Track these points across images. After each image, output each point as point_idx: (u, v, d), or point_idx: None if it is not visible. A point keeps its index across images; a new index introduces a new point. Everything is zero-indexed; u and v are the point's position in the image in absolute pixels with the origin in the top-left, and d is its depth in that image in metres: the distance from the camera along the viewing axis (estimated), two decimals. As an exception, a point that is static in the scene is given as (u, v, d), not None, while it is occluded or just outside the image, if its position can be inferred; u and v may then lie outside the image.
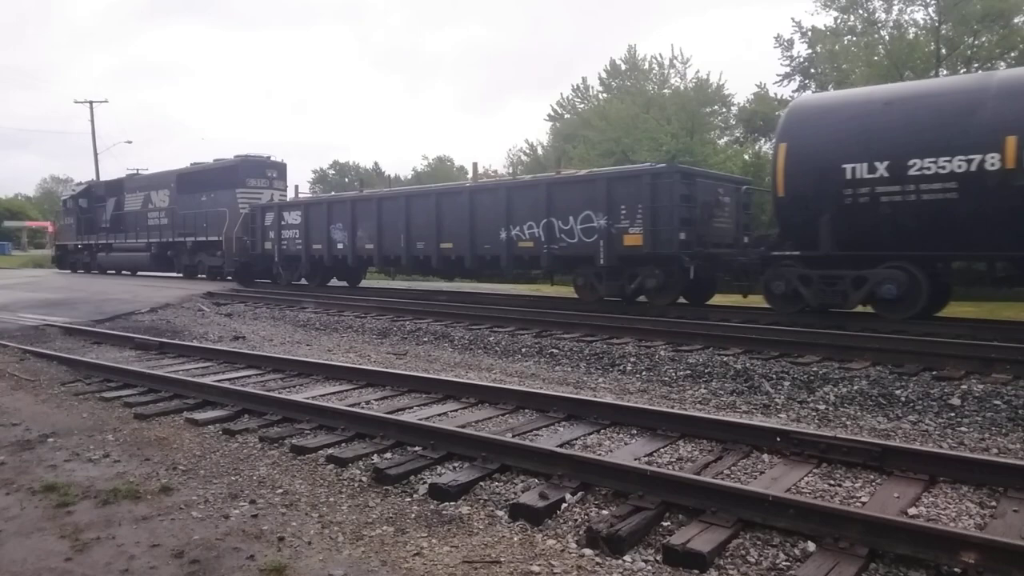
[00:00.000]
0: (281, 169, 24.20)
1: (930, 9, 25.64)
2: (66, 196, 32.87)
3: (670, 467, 4.63)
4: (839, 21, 28.28)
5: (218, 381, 7.22)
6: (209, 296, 17.33)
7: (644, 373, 8.16)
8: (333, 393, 6.89)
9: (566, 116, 40.57)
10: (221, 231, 22.35)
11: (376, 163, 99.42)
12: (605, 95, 37.95)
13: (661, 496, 3.90)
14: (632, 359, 8.64)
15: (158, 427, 5.85)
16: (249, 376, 7.81)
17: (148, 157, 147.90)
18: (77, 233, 30.48)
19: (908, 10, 26.72)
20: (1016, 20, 23.89)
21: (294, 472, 4.70)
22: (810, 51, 30.35)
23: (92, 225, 29.68)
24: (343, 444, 5.19)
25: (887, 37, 26.84)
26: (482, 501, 4.13)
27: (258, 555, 3.42)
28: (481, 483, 4.34)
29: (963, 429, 5.78)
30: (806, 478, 4.37)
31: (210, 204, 23.40)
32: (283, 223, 20.24)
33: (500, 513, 3.95)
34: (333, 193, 26.47)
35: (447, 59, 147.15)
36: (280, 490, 4.34)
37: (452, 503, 4.10)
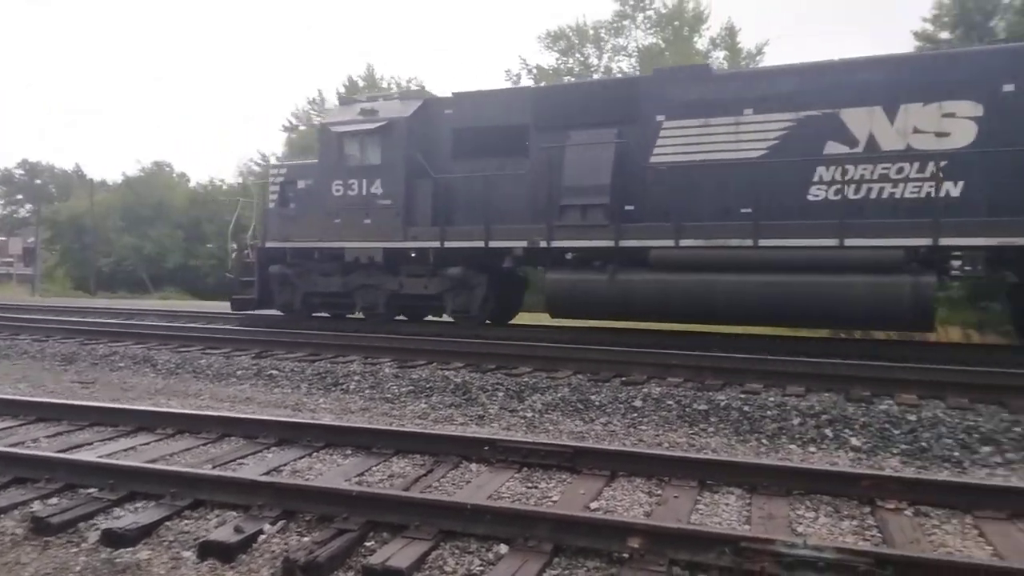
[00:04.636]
0: None
1: (632, 60, 29.63)
2: (340, 127, 12.73)
3: (380, 485, 4.60)
4: (560, 62, 31.57)
5: None
6: None
7: (368, 391, 8.06)
8: (-10, 432, 5.79)
9: (302, 128, 39.45)
10: None
11: (77, 165, 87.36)
12: (341, 110, 37.57)
13: (366, 516, 3.85)
14: (357, 377, 8.50)
15: None
16: None
17: None
18: (411, 220, 11.93)
19: (616, 58, 30.78)
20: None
21: (-82, 533, 3.83)
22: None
23: (462, 202, 11.85)
24: (-6, 493, 4.36)
25: (598, 80, 30.53)
26: (167, 543, 3.72)
27: None
28: (167, 523, 3.92)
29: (643, 427, 6.54)
30: (507, 483, 4.60)
31: None
32: None
33: (187, 554, 3.59)
34: None
35: (174, 63, 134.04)
36: None
37: (130, 548, 3.64)
